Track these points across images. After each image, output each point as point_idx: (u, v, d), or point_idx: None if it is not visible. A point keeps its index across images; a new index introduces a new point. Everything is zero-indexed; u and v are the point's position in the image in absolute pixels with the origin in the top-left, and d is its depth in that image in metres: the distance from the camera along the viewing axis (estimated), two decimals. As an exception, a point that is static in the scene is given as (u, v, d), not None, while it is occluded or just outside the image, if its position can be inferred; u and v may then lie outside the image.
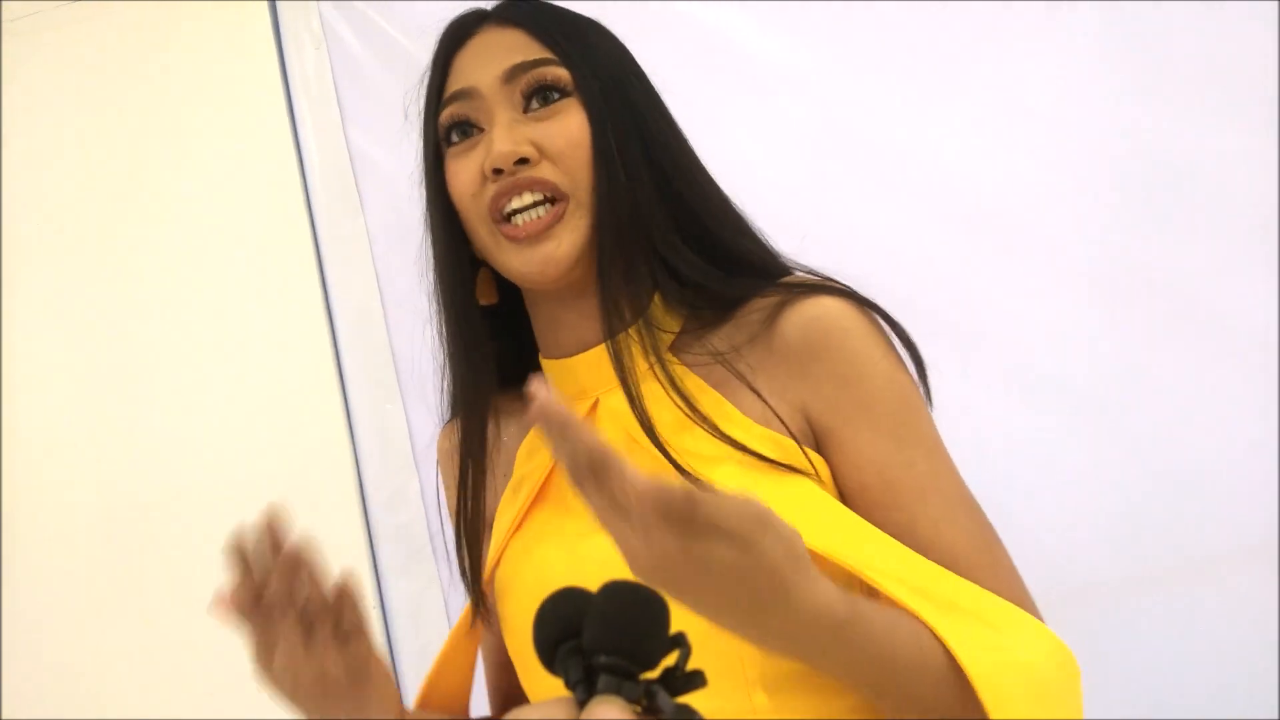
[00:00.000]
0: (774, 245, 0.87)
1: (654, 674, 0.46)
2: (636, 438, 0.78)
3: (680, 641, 0.46)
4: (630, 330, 0.81)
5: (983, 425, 1.42)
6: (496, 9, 0.87)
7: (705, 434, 0.76)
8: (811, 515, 0.73)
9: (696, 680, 0.46)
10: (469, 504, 0.87)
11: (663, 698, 0.44)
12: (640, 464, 0.76)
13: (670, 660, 0.46)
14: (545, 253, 0.79)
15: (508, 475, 0.90)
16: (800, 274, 0.84)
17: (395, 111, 1.70)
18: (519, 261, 0.80)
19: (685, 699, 0.45)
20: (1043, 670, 0.68)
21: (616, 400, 0.81)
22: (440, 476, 0.99)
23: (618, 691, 0.44)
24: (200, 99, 1.77)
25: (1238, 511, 1.44)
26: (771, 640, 0.63)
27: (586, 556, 0.77)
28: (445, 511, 0.98)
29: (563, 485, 0.84)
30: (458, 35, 0.86)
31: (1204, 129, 1.52)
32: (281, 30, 1.77)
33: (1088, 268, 1.53)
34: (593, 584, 0.57)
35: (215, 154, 1.75)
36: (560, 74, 0.81)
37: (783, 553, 0.59)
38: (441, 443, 0.98)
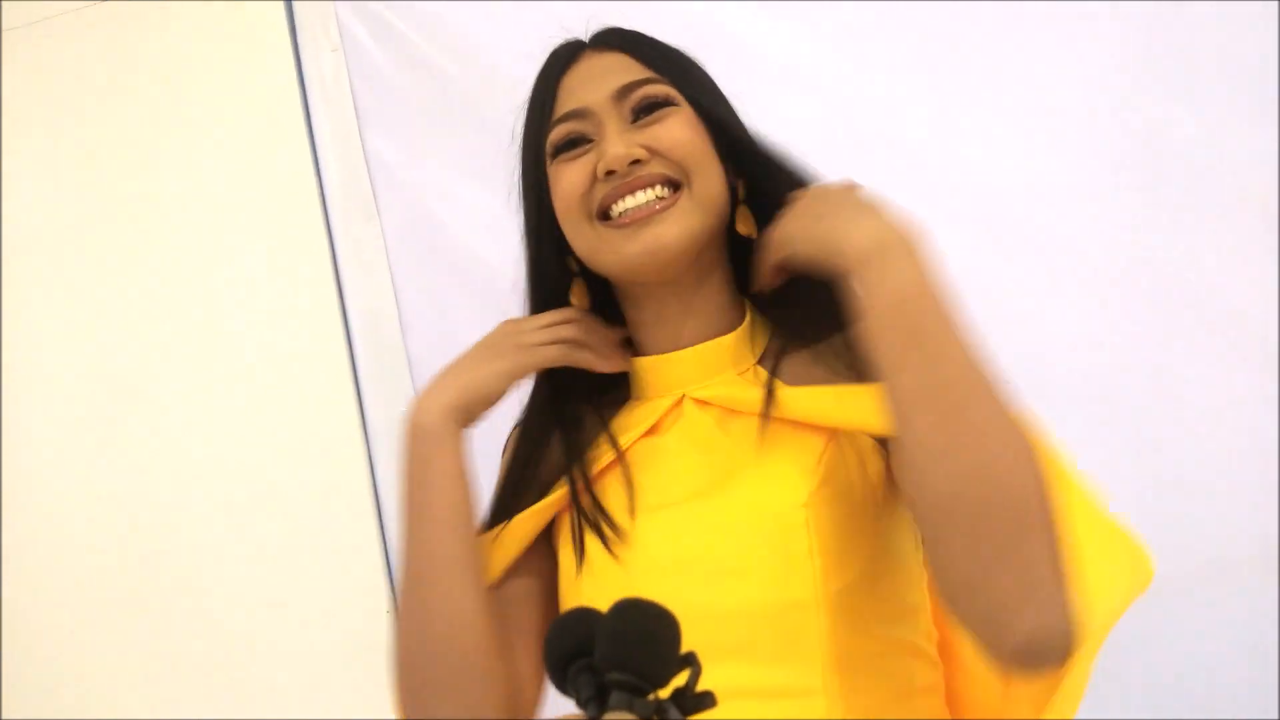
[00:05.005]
0: None
1: (665, 693, 0.46)
2: (727, 429, 0.83)
3: (691, 660, 0.47)
4: (734, 332, 0.87)
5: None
6: (595, 37, 0.92)
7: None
8: None
9: (707, 700, 0.47)
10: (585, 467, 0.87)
11: (674, 715, 0.45)
12: (729, 453, 0.82)
13: (681, 679, 0.46)
14: (652, 235, 0.82)
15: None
16: None
17: (412, 115, 1.72)
18: (626, 247, 0.83)
19: (696, 719, 0.46)
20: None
21: (704, 393, 0.85)
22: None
23: (629, 708, 0.44)
24: (215, 102, 1.77)
25: (1244, 516, 1.43)
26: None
27: (694, 522, 0.81)
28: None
29: (635, 463, 0.86)
30: (560, 62, 0.90)
31: (1218, 126, 1.51)
32: (298, 33, 1.77)
33: (1100, 267, 1.52)
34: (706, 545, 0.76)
35: (230, 157, 1.75)
36: (668, 90, 0.86)
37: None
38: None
